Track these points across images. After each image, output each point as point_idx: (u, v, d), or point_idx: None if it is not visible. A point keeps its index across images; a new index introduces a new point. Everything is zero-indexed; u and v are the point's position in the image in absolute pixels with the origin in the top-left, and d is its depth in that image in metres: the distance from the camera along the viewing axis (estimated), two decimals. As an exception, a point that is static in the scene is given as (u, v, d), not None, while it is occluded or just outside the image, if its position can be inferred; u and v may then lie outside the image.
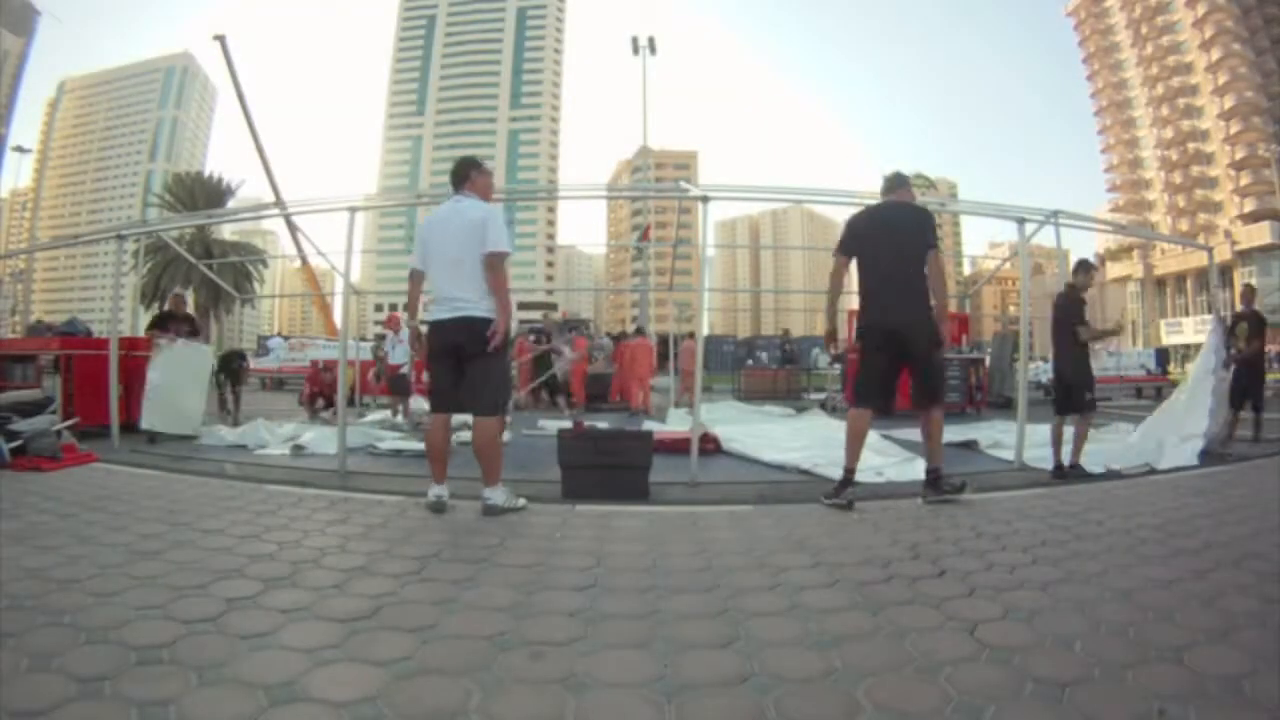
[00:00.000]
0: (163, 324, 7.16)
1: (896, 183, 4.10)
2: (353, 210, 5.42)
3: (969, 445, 6.29)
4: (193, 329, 7.44)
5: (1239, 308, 7.39)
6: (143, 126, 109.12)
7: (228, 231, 44.76)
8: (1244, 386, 6.50)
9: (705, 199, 5.24)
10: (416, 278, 3.73)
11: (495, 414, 3.63)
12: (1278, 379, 17.30)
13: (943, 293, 3.79)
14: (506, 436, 6.84)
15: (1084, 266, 5.15)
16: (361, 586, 2.32)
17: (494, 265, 3.47)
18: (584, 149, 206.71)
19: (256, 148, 13.66)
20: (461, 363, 3.49)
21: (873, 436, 6.38)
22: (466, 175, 3.70)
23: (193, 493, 3.95)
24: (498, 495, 3.50)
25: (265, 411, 9.37)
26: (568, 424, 5.38)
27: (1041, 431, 6.38)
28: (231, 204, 35.58)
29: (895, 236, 3.83)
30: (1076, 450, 4.86)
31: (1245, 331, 6.69)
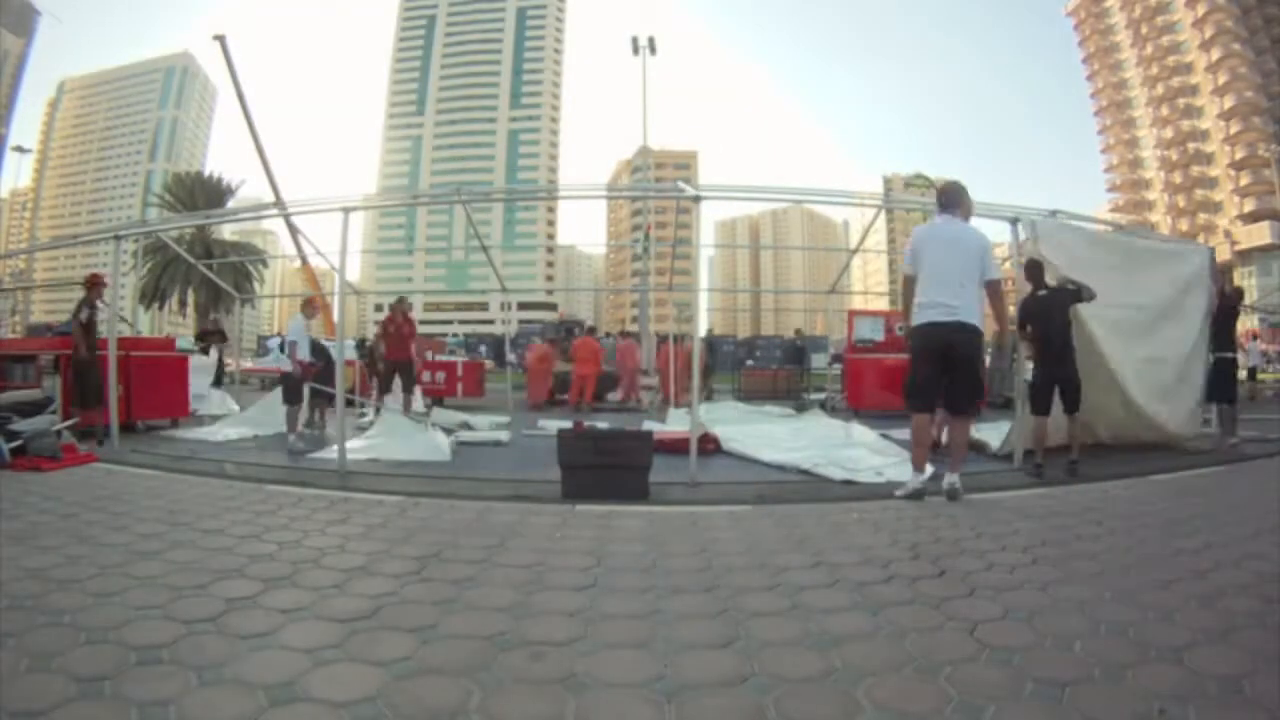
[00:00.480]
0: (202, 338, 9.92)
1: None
2: (346, 211, 5.43)
3: (979, 449, 6.06)
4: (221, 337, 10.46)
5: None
6: (143, 126, 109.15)
7: (228, 231, 44.76)
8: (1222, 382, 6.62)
9: (698, 199, 5.31)
10: (910, 282, 4.07)
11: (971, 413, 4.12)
12: (1278, 378, 17.33)
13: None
14: (505, 436, 6.86)
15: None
16: (361, 586, 2.32)
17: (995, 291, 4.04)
18: (584, 149, 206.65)
19: (256, 148, 13.62)
20: (951, 363, 3.89)
21: (872, 436, 6.42)
22: (960, 200, 4.11)
23: (193, 493, 3.95)
24: (957, 479, 3.83)
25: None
26: (568, 424, 5.38)
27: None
28: (231, 204, 35.58)
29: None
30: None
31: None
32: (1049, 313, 4.99)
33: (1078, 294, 5.00)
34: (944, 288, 3.88)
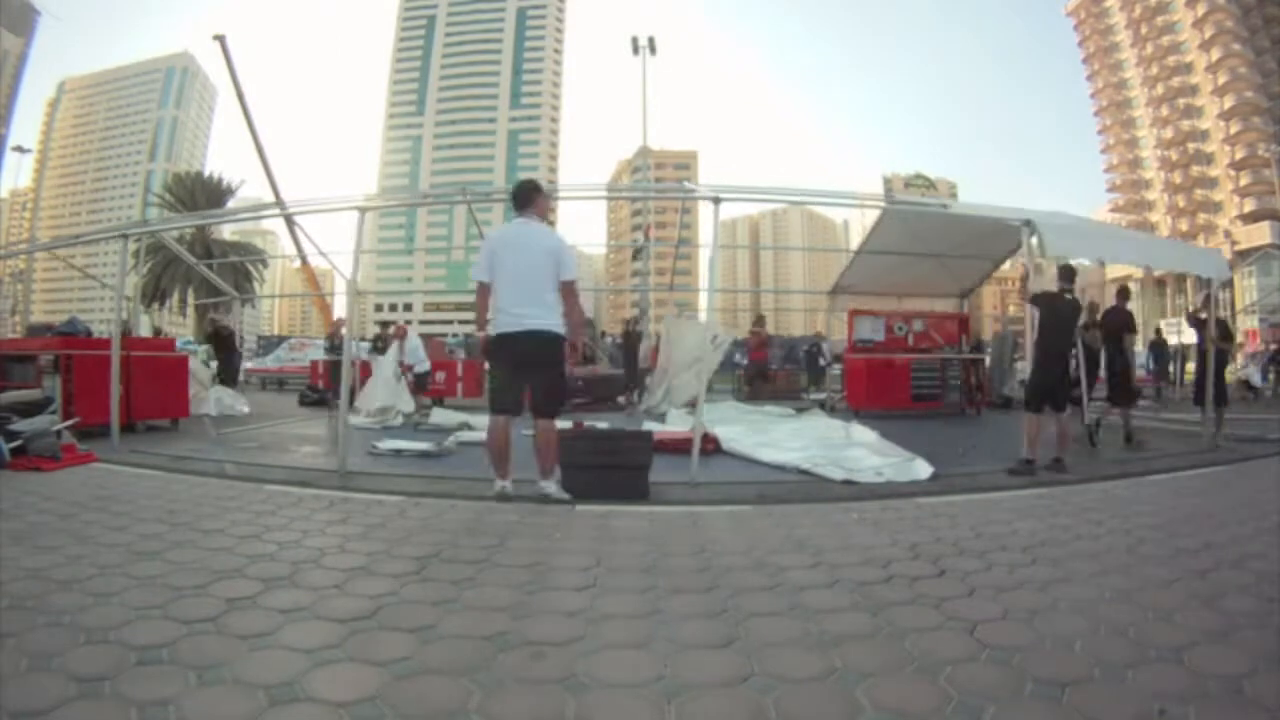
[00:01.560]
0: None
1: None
2: (362, 210, 5.38)
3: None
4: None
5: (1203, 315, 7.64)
6: (143, 126, 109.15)
7: (228, 231, 44.76)
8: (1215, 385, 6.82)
9: (717, 200, 5.04)
10: (484, 290, 3.90)
11: (555, 416, 3.93)
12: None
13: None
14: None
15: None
16: (361, 586, 2.32)
17: (568, 291, 3.81)
18: (584, 149, 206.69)
19: (256, 148, 13.61)
20: (522, 370, 3.81)
21: (872, 436, 6.41)
22: (530, 199, 3.93)
23: (193, 493, 3.95)
24: (550, 486, 3.81)
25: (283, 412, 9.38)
26: (567, 424, 5.37)
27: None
28: (231, 204, 35.58)
29: None
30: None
31: (1217, 335, 7.16)
32: (1069, 315, 5.14)
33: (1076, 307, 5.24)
34: (513, 295, 3.78)
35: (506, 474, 3.84)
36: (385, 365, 9.27)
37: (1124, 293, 7.02)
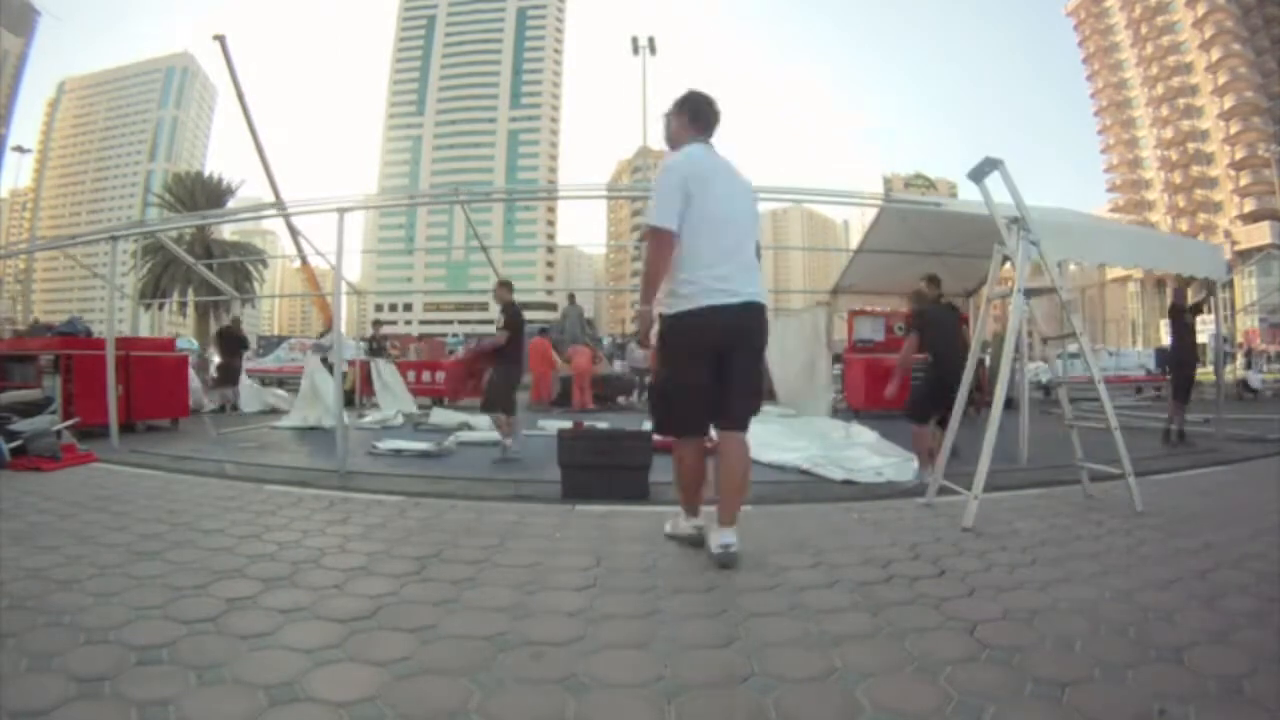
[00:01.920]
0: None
1: None
2: (341, 211, 5.43)
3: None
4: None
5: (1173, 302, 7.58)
6: (143, 126, 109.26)
7: (228, 231, 44.79)
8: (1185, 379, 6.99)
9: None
10: (669, 243, 2.57)
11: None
12: (1277, 378, 17.33)
13: None
14: (508, 438, 6.86)
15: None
16: (361, 586, 2.32)
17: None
18: (584, 149, 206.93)
19: (256, 147, 13.65)
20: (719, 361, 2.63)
21: (872, 436, 6.41)
22: (715, 119, 2.88)
23: (193, 493, 3.95)
24: (729, 536, 2.62)
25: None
26: (568, 424, 5.38)
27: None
28: (231, 204, 35.60)
29: None
30: None
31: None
32: (948, 324, 5.13)
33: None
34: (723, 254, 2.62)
35: (698, 510, 2.85)
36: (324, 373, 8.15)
37: (1183, 291, 7.12)
